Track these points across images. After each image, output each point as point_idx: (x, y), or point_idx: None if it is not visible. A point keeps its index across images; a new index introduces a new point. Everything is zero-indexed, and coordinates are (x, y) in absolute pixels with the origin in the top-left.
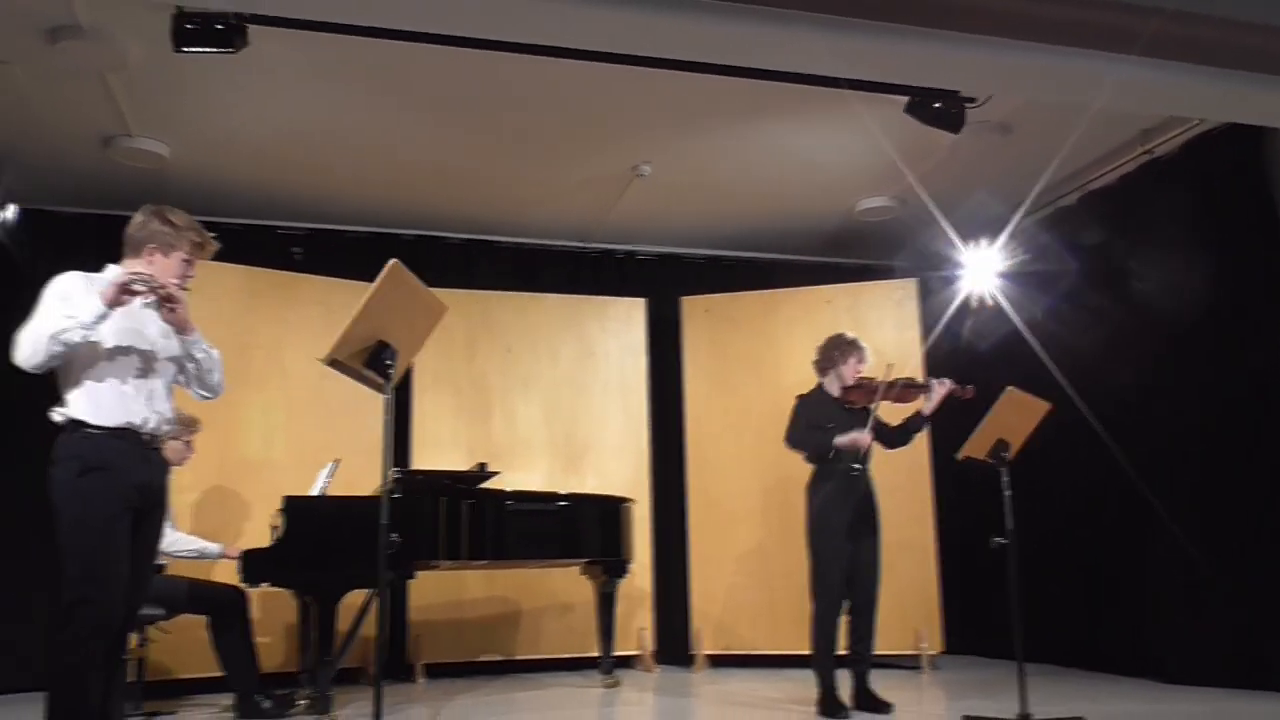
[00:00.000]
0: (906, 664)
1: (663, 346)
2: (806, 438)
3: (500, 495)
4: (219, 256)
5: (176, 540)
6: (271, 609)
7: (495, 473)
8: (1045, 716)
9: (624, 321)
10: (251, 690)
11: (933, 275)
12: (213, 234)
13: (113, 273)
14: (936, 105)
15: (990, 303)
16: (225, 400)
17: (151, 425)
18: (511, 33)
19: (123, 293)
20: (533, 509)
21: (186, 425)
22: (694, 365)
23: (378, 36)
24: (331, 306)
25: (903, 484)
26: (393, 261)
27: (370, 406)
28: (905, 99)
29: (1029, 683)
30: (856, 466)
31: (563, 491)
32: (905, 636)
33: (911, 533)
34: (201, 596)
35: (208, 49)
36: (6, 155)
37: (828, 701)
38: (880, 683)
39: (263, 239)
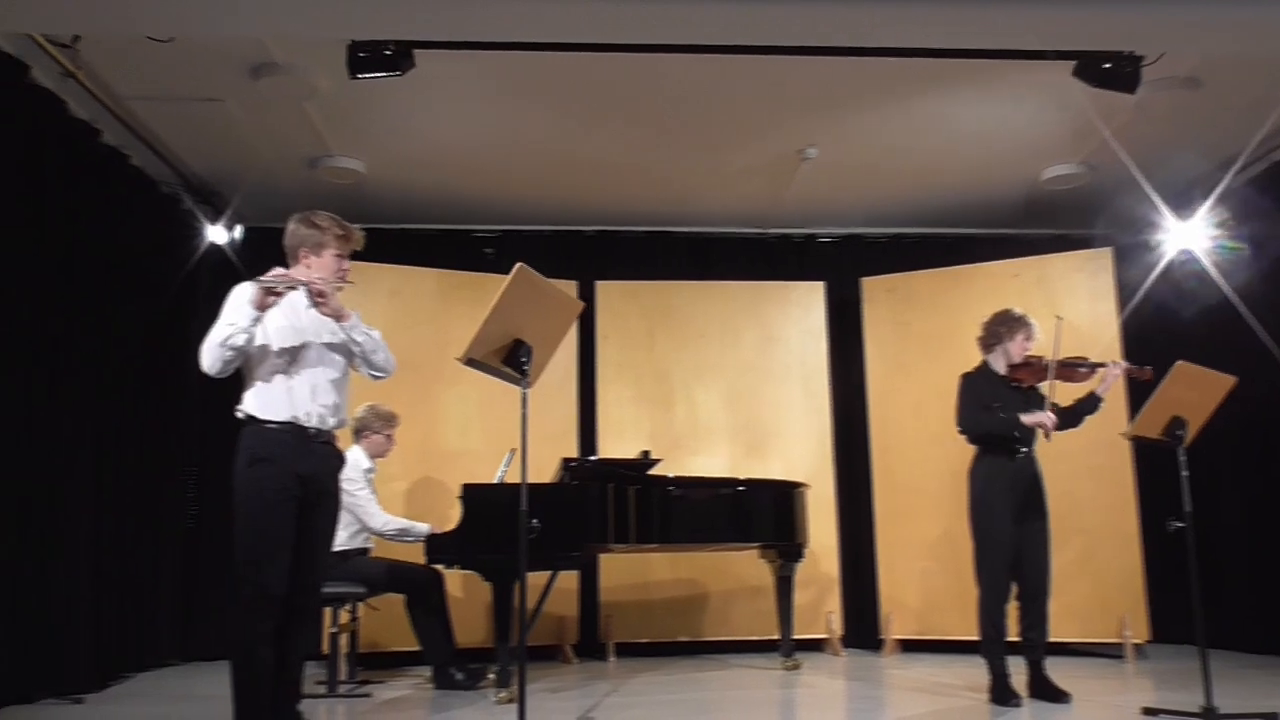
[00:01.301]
0: (1109, 652)
1: (843, 329)
2: (983, 420)
3: (664, 481)
4: (416, 261)
5: (387, 521)
6: (473, 589)
7: (658, 460)
8: (1233, 711)
9: (804, 305)
10: (446, 663)
11: (1129, 243)
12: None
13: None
14: (1106, 66)
15: (1195, 270)
16: (425, 395)
17: (315, 419)
18: (669, 35)
19: (267, 294)
20: (699, 494)
21: (386, 420)
22: (876, 347)
23: (540, 49)
24: None
25: (1103, 465)
26: (519, 265)
27: (555, 398)
28: (1072, 62)
29: (1231, 675)
30: (1023, 450)
31: (743, 477)
32: (1108, 624)
33: (1112, 515)
34: (399, 576)
35: (379, 74)
36: (230, 182)
37: (998, 689)
38: (1076, 671)
39: (456, 242)
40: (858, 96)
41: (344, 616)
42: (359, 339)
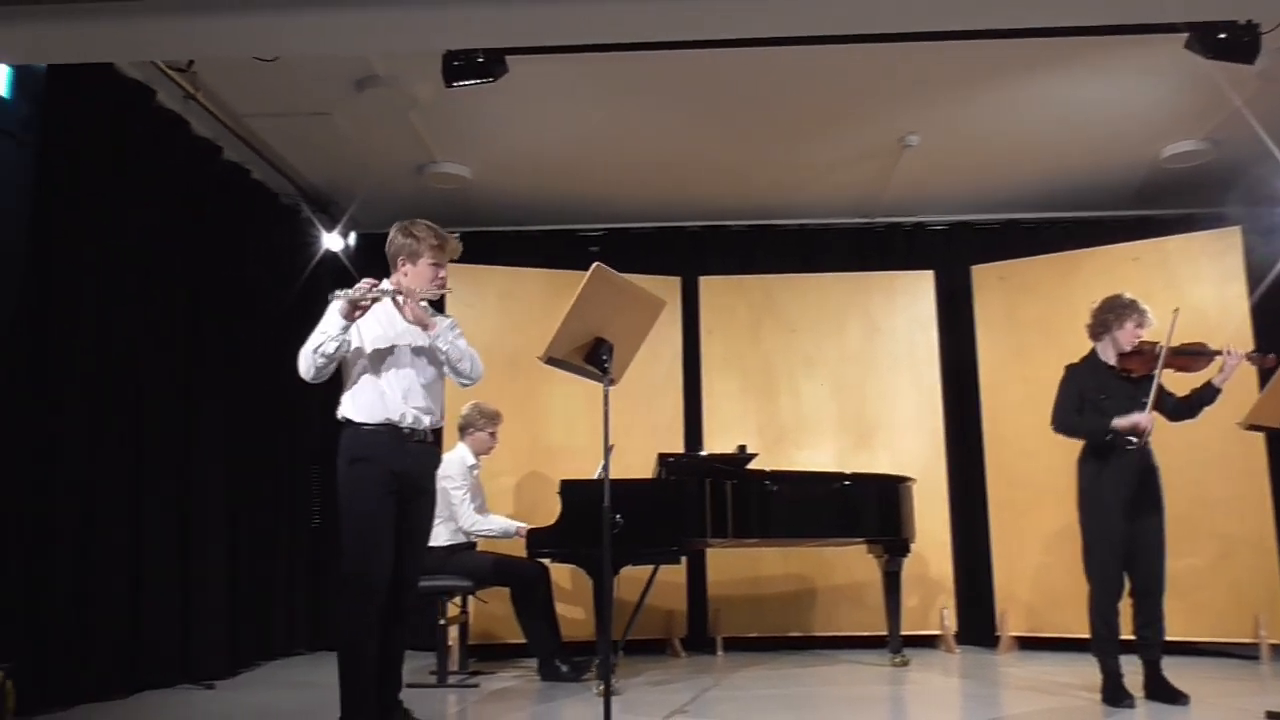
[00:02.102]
0: (1244, 653)
1: (954, 318)
2: (1077, 422)
3: (762, 476)
4: (524, 262)
5: (478, 522)
6: (581, 583)
7: (754, 455)
8: None
9: (911, 295)
10: (551, 656)
11: (1259, 221)
12: (457, 236)
13: (384, 287)
14: (1222, 36)
15: None
16: (533, 394)
17: (409, 420)
18: (764, 29)
19: (354, 308)
20: (799, 489)
21: (490, 418)
22: (987, 336)
23: (637, 49)
24: None
25: (1232, 455)
26: (595, 264)
27: (662, 393)
28: (1185, 35)
29: None
30: (1133, 441)
31: (849, 471)
32: (1243, 624)
33: (1245, 507)
34: (504, 570)
35: (473, 81)
36: (344, 191)
37: (1110, 689)
38: (1205, 671)
39: (562, 242)
40: (960, 81)
41: (453, 609)
42: (444, 347)
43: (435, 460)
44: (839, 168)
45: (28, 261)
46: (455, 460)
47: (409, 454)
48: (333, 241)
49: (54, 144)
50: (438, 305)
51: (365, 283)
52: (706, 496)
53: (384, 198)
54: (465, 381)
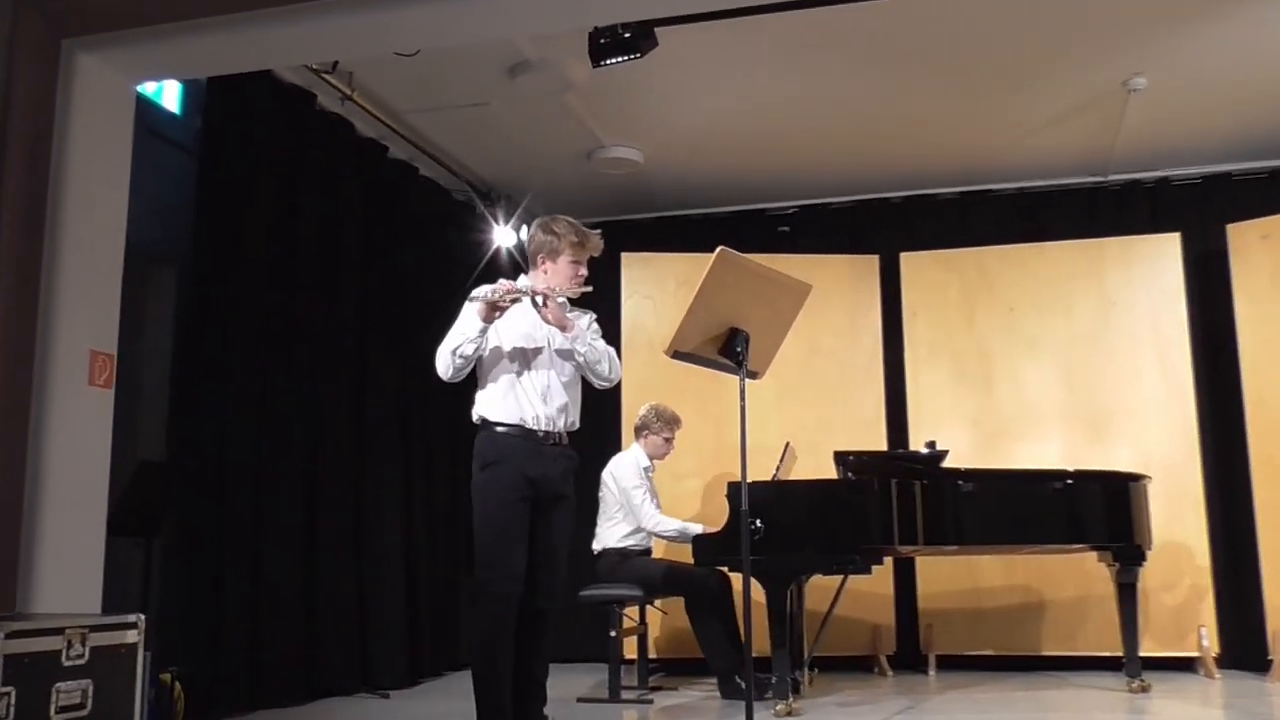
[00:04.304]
0: None
1: (1206, 287)
2: None
3: (955, 475)
4: (706, 247)
5: (660, 522)
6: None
7: (944, 452)
8: None
9: (1153, 262)
10: (731, 672)
11: None
12: (599, 233)
13: (522, 284)
14: None
15: None
16: (715, 390)
17: (544, 422)
18: None
19: (491, 309)
20: (1002, 489)
21: (667, 422)
22: (1249, 306)
23: (814, 5)
24: (816, 284)
25: None
26: (720, 248)
27: (861, 385)
28: None
29: None
30: None
31: (1077, 468)
32: None
33: None
34: (679, 579)
35: (621, 58)
36: (515, 183)
37: None
38: None
39: (748, 223)
40: (1183, 11)
41: (629, 620)
42: (581, 349)
43: (573, 465)
44: (1058, 120)
45: (198, 272)
46: (630, 460)
47: (544, 457)
48: (504, 236)
49: (217, 153)
50: (583, 303)
51: (503, 284)
52: (892, 499)
53: (554, 188)
54: (603, 383)
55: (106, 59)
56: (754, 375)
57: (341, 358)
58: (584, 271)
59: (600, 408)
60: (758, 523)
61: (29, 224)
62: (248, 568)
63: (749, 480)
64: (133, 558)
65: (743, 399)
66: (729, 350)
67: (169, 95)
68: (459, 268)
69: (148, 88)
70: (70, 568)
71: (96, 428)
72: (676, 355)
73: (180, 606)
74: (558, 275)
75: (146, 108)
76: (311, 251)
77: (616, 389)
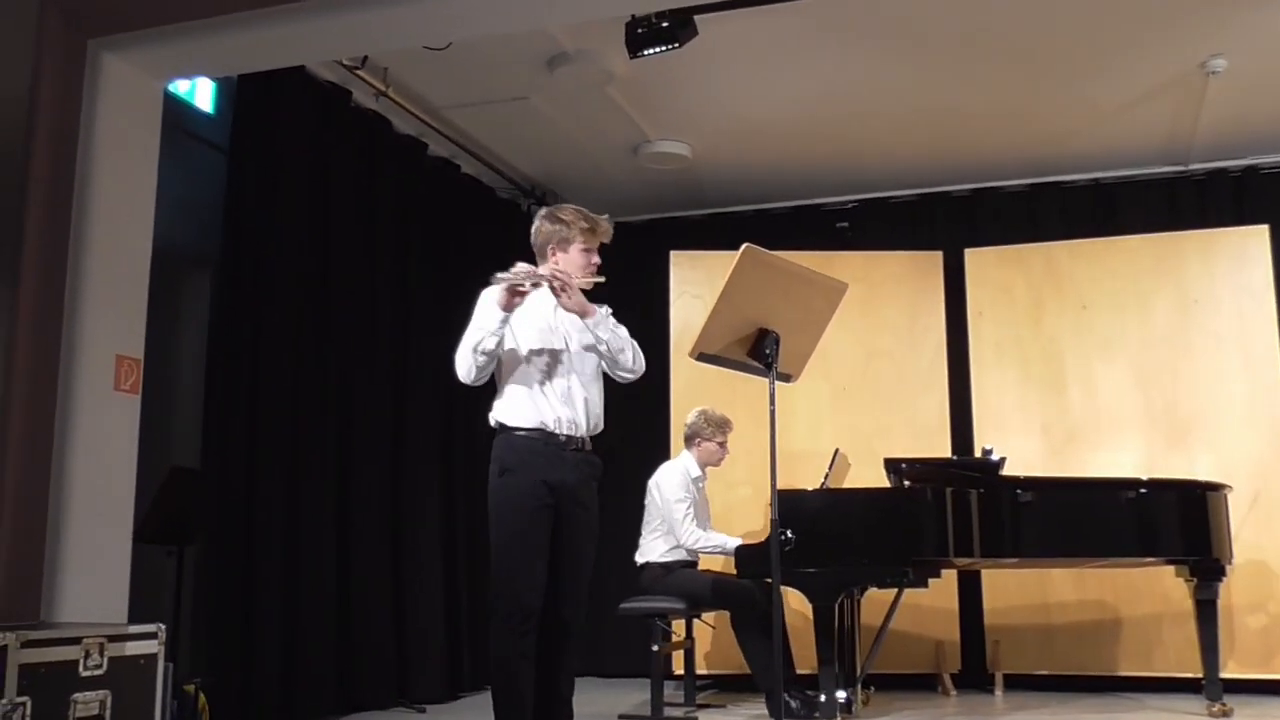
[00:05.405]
0: None
1: None
2: None
3: (1014, 483)
4: (762, 245)
5: (700, 538)
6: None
7: (1002, 459)
8: None
9: (1239, 256)
10: (776, 688)
11: None
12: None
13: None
14: None
15: None
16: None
17: (566, 425)
18: None
19: (512, 295)
20: (1065, 499)
21: (718, 426)
22: None
23: None
24: (873, 282)
25: None
26: (745, 245)
27: (924, 388)
28: None
29: None
30: None
31: (1157, 476)
32: None
33: None
34: (724, 592)
35: (659, 48)
36: (561, 179)
37: None
38: None
39: (804, 219)
40: None
41: (677, 634)
42: (604, 335)
43: (595, 471)
44: (1133, 106)
45: (231, 275)
46: (677, 470)
47: (564, 463)
48: None
49: (248, 152)
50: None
51: (523, 267)
52: (947, 508)
53: (602, 184)
54: (626, 375)
55: (132, 59)
56: (786, 378)
57: (379, 362)
58: (596, 259)
59: (648, 414)
60: (788, 533)
61: (54, 227)
62: (281, 576)
63: (796, 488)
64: (164, 566)
65: (772, 402)
66: (758, 352)
67: (202, 95)
68: (504, 268)
69: (180, 87)
70: (95, 577)
71: (122, 434)
72: (701, 357)
73: (212, 616)
74: (570, 264)
75: (180, 108)
76: (348, 252)
77: (664, 394)
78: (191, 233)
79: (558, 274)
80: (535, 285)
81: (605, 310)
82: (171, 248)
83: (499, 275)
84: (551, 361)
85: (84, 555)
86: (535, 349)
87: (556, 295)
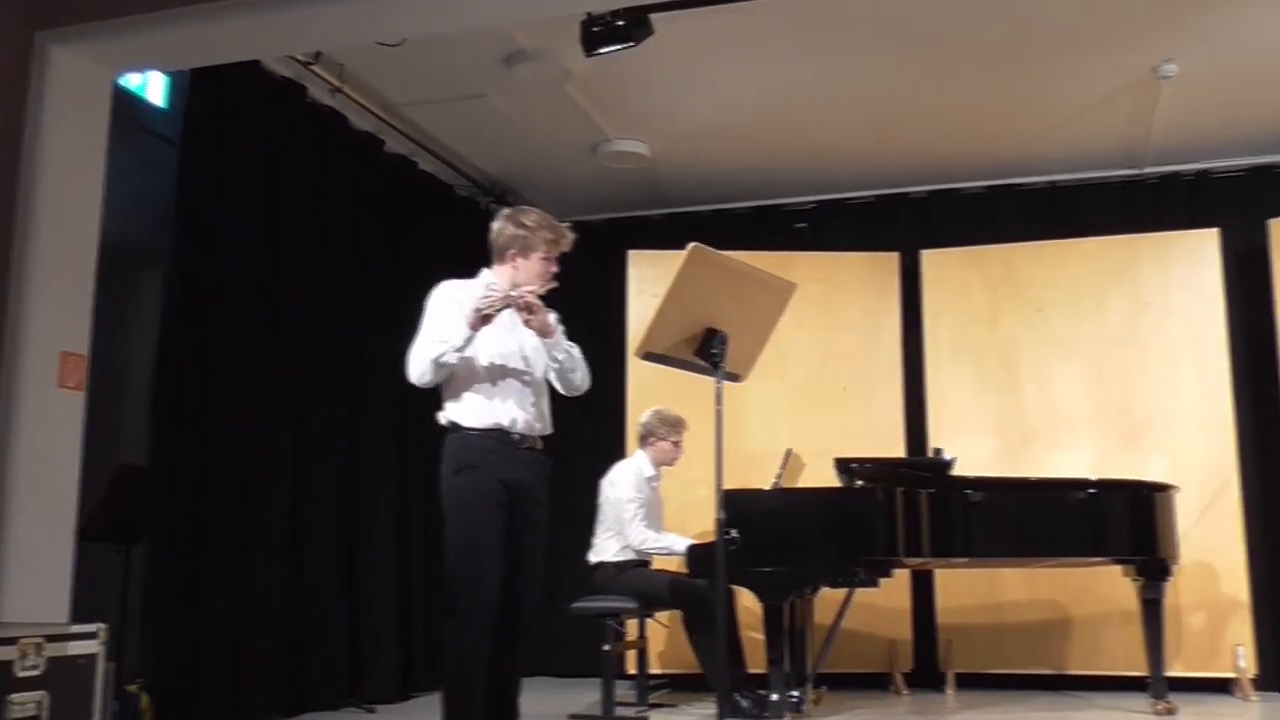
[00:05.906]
0: None
1: (1248, 287)
2: None
3: (963, 484)
4: (721, 245)
5: (648, 539)
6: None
7: (952, 459)
8: None
9: (1191, 260)
10: (727, 689)
11: None
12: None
13: (485, 278)
14: None
15: None
16: (731, 393)
17: (520, 425)
18: None
19: (482, 320)
20: (1015, 499)
21: (672, 426)
22: None
23: None
24: (832, 283)
25: None
26: (692, 245)
27: (880, 389)
28: None
29: None
30: None
31: (1108, 477)
32: None
33: None
34: (679, 591)
35: (615, 47)
36: (521, 178)
37: None
38: None
39: (764, 220)
40: None
41: (630, 633)
42: (559, 356)
43: (546, 470)
44: (1088, 110)
45: (182, 272)
46: (630, 470)
47: (519, 462)
48: None
49: (199, 147)
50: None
51: (496, 293)
52: (897, 508)
53: (560, 183)
54: (571, 392)
55: (82, 52)
56: (734, 378)
57: (332, 359)
58: (554, 269)
59: (603, 414)
60: (734, 533)
61: None
62: (231, 575)
63: (748, 488)
64: (113, 565)
65: (719, 402)
66: (705, 351)
67: (155, 89)
68: (462, 265)
69: (133, 81)
70: (37, 576)
71: (65, 431)
72: (648, 357)
73: (161, 615)
74: (528, 272)
75: (133, 102)
76: (302, 248)
77: (620, 393)
78: (144, 228)
79: (525, 294)
80: (506, 307)
81: (554, 317)
82: (123, 243)
83: (478, 304)
84: (506, 365)
85: (25, 554)
86: (490, 352)
87: (522, 313)
